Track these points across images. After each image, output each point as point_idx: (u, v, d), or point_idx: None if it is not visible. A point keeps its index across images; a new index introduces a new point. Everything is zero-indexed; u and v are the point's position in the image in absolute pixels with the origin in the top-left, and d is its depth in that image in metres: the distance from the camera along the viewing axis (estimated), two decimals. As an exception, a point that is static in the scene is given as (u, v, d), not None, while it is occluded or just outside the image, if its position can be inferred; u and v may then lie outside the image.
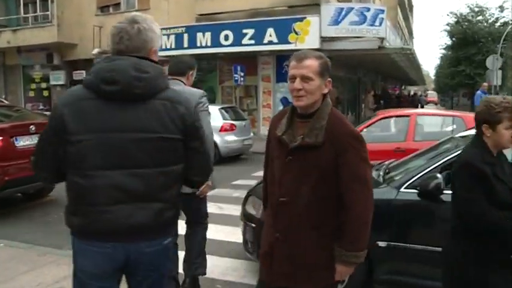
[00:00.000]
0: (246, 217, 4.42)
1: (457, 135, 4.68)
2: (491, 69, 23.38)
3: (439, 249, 2.58)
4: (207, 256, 4.04)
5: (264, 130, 17.62)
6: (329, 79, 2.27)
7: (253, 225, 4.22)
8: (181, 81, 3.84)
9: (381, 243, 3.64)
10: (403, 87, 49.53)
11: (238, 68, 15.50)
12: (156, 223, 2.02)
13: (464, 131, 6.98)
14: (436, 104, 61.73)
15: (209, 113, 3.80)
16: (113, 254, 1.99)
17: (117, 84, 1.93)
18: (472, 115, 8.45)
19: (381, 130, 8.82)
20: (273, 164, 2.42)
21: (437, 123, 8.98)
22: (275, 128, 2.39)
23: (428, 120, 8.97)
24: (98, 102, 1.95)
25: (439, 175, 3.43)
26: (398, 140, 7.98)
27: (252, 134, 13.43)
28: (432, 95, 66.62)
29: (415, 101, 40.13)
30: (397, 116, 8.80)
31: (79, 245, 2.04)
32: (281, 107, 17.39)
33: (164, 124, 2.01)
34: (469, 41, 29.70)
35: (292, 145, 2.24)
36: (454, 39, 31.68)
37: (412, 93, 49.19)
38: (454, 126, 7.97)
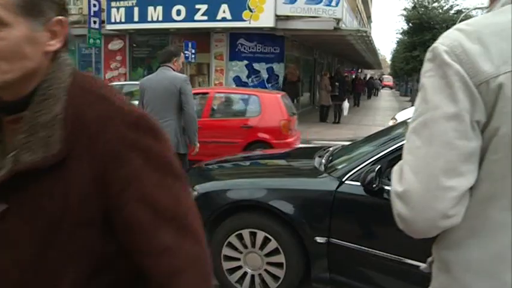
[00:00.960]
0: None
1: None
2: (444, 55, 23.64)
3: (383, 253, 2.22)
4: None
5: (215, 110, 17.15)
6: (60, 19, 0.98)
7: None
8: (169, 67, 4.69)
9: (319, 239, 3.28)
10: (359, 71, 49.82)
11: (190, 44, 14.84)
12: None
13: (259, 109, 8.31)
14: (391, 88, 62.77)
15: (191, 96, 4.69)
16: None
17: None
18: (269, 94, 9.20)
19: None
20: None
21: (234, 101, 9.27)
22: None
23: (226, 98, 9.36)
24: None
25: (377, 167, 3.04)
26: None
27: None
28: (388, 79, 67.73)
29: (370, 85, 40.66)
30: (199, 94, 8.72)
31: None
32: (234, 86, 16.94)
33: None
34: (425, 27, 29.94)
35: None
36: (410, 24, 31.86)
37: (368, 77, 49.72)
38: (250, 105, 8.44)
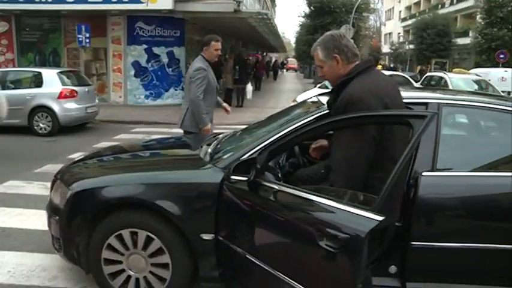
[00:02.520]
0: (51, 208, 3.57)
1: (313, 98, 4.04)
2: (344, 37, 24.40)
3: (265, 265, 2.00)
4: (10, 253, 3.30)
5: (114, 96, 16.36)
6: None
7: (57, 217, 3.41)
8: (201, 55, 5.41)
9: (205, 236, 3.05)
10: (264, 54, 50.26)
11: (83, 27, 13.96)
12: None
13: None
14: (296, 70, 64.12)
15: (197, 84, 5.24)
16: None
17: None
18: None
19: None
20: None
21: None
22: None
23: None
24: None
25: (258, 156, 2.83)
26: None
27: (97, 101, 12.19)
28: (292, 62, 69.09)
29: (273, 67, 41.49)
30: None
31: None
32: (133, 72, 16.26)
33: None
34: (325, 10, 30.85)
35: None
36: (312, 7, 32.58)
37: (273, 60, 50.42)
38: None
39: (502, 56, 23.16)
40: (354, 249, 2.21)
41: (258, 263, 2.78)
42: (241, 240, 2.97)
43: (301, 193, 2.61)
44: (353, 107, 2.65)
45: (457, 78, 15.00)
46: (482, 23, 29.39)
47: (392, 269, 2.99)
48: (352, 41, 2.96)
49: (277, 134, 3.13)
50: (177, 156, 4.30)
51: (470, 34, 33.14)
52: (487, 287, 2.95)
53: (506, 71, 18.72)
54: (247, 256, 2.87)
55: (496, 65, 22.94)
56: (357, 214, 2.25)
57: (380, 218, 2.17)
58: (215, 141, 3.85)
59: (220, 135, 4.19)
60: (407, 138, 2.38)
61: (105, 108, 13.50)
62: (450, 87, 13.69)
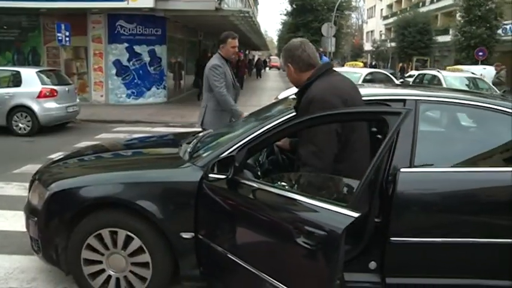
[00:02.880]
0: (29, 209, 3.53)
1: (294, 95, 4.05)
2: (326, 36, 24.56)
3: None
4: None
5: (95, 95, 16.20)
6: None
7: (35, 218, 3.37)
8: (219, 53, 5.44)
9: (185, 235, 3.04)
10: (247, 52, 50.23)
11: (62, 26, 13.73)
12: None
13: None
14: (279, 68, 64.23)
15: (215, 81, 5.28)
16: None
17: None
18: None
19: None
20: None
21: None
22: None
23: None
24: None
25: (236, 155, 2.84)
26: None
27: (78, 100, 12.06)
28: (275, 60, 69.15)
29: (256, 65, 41.63)
30: None
31: None
32: (114, 71, 16.12)
33: None
34: (307, 8, 30.97)
35: None
36: (293, 6, 32.68)
37: (256, 58, 50.46)
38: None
39: (480, 53, 23.46)
40: (330, 245, 2.23)
41: (239, 261, 2.79)
42: (221, 239, 2.98)
43: (279, 190, 2.63)
44: (316, 105, 2.86)
45: (451, 77, 14.21)
46: (462, 21, 29.74)
47: (372, 264, 3.02)
48: (313, 49, 3.16)
49: (256, 131, 3.16)
50: (157, 155, 4.28)
51: (450, 32, 33.50)
52: (466, 280, 3.00)
53: (484, 68, 18.95)
54: (227, 255, 2.87)
55: (475, 62, 23.24)
56: (333, 211, 2.28)
57: (356, 215, 2.19)
58: (195, 140, 3.84)
59: (200, 134, 4.18)
60: (366, 131, 2.51)
61: (86, 108, 13.36)
62: (444, 85, 12.83)
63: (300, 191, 2.63)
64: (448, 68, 17.63)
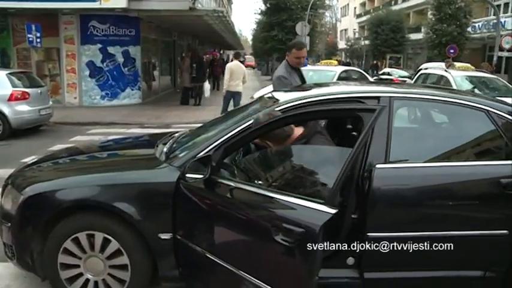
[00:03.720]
0: (2, 214, 3.46)
1: (269, 94, 4.09)
2: (300, 35, 24.66)
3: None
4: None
5: (68, 97, 15.96)
6: None
7: (9, 224, 3.31)
8: (286, 60, 5.21)
9: (163, 236, 3.03)
10: (221, 52, 50.13)
11: (33, 27, 13.47)
12: None
13: None
14: (253, 67, 64.24)
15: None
16: None
17: None
18: None
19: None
20: None
21: None
22: None
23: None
24: None
25: (212, 154, 2.85)
26: None
27: (51, 103, 11.86)
28: (250, 59, 69.01)
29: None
30: None
31: None
32: (87, 72, 15.91)
33: None
34: (281, 7, 31.03)
35: None
36: (268, 5, 32.72)
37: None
38: None
39: (452, 50, 23.88)
40: (308, 242, 2.25)
41: (217, 261, 2.79)
42: (200, 239, 2.98)
43: (256, 189, 2.64)
44: None
45: (462, 77, 11.85)
46: (433, 19, 30.21)
47: (350, 260, 3.06)
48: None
49: (232, 130, 3.17)
50: (133, 156, 4.24)
51: (423, 30, 34.03)
52: (442, 272, 3.06)
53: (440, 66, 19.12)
54: (206, 254, 2.87)
55: (447, 59, 23.65)
56: (310, 208, 2.30)
57: (333, 211, 2.22)
58: (171, 140, 3.82)
59: (176, 134, 4.17)
60: None
61: (59, 110, 13.14)
62: (454, 87, 10.46)
63: (277, 189, 2.64)
64: (458, 66, 14.62)
